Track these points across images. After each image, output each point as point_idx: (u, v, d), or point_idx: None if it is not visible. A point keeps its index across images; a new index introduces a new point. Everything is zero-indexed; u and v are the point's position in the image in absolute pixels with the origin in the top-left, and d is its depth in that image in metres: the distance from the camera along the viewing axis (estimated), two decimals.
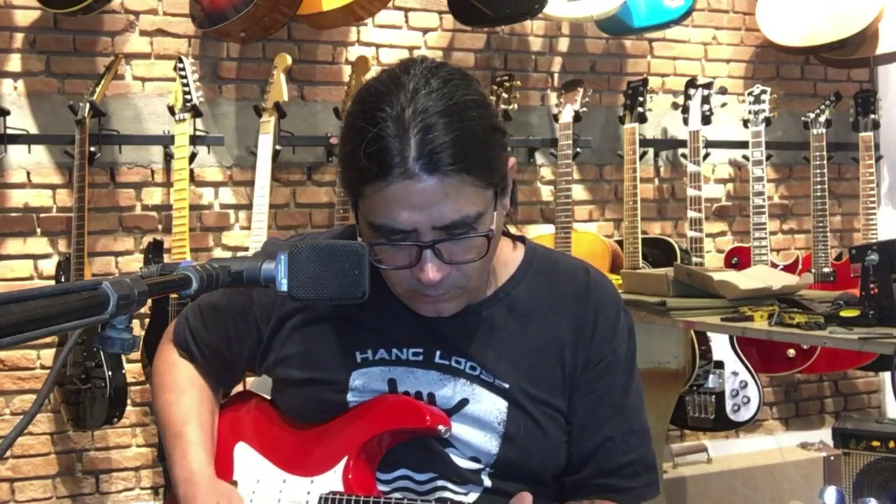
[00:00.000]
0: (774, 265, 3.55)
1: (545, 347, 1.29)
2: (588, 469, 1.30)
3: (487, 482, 1.27)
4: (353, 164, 1.13)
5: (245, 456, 1.38)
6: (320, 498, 1.27)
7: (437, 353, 1.28)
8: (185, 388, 1.43)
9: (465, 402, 1.27)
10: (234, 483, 1.36)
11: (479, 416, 1.26)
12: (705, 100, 3.47)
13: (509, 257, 1.34)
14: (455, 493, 1.27)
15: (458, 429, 1.26)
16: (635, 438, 1.32)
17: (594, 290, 1.33)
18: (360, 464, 1.28)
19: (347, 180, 1.17)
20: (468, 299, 1.25)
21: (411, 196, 1.09)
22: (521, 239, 1.38)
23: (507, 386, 1.27)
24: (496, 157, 1.16)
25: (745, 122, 3.61)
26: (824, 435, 3.85)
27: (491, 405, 1.27)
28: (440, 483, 1.27)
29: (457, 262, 1.15)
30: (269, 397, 1.44)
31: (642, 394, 1.35)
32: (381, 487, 1.28)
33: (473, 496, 1.27)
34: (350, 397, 1.29)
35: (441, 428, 1.24)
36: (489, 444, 1.26)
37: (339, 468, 1.28)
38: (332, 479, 1.28)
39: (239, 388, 1.59)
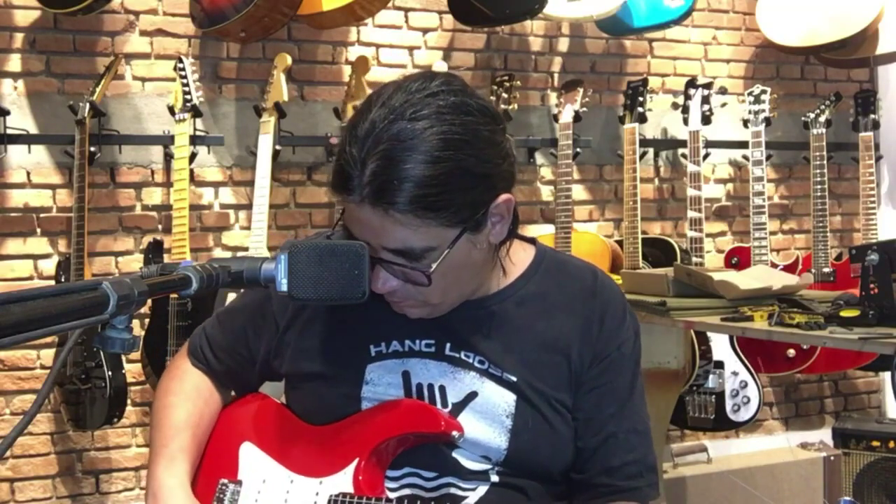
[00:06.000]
0: (774, 265, 3.55)
1: (553, 344, 1.31)
2: (593, 466, 1.31)
3: (495, 479, 1.28)
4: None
5: (251, 456, 1.38)
6: (330, 499, 1.26)
7: (448, 345, 1.30)
8: (189, 395, 1.43)
9: (473, 395, 1.28)
10: (239, 483, 1.36)
11: (487, 410, 1.27)
12: (705, 100, 3.47)
13: (520, 257, 1.36)
14: (463, 489, 1.27)
15: (467, 424, 1.27)
16: (637, 437, 1.33)
17: (601, 291, 1.35)
18: (371, 466, 1.28)
19: None
20: (439, 310, 1.26)
21: (360, 217, 1.13)
22: (532, 241, 1.41)
23: (514, 379, 1.28)
24: (468, 199, 1.13)
25: (745, 122, 3.61)
26: (824, 435, 3.84)
27: (499, 398, 1.28)
28: (447, 480, 1.28)
29: (411, 282, 1.18)
30: (275, 399, 1.44)
31: (645, 396, 1.37)
32: (389, 484, 1.28)
33: (482, 490, 1.28)
34: (365, 392, 1.30)
35: (455, 434, 1.25)
36: (498, 439, 1.27)
37: (350, 470, 1.28)
38: (343, 481, 1.28)
39: None
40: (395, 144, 1.08)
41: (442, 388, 1.29)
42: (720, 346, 3.39)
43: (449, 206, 1.11)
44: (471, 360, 1.29)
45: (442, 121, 1.10)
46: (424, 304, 1.23)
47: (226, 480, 1.37)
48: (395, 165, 1.08)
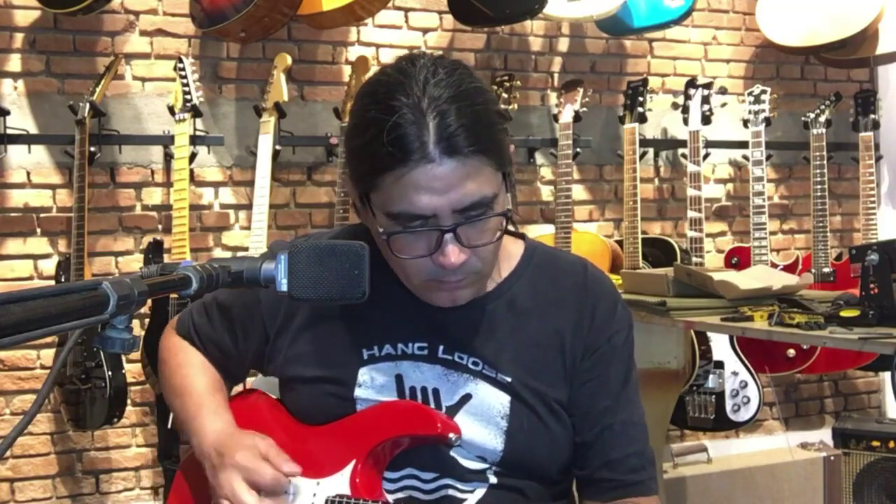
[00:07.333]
0: (774, 265, 3.55)
1: (546, 341, 1.31)
2: (592, 461, 1.31)
3: (493, 479, 1.28)
4: (371, 154, 1.15)
5: None
6: (327, 500, 1.26)
7: (441, 347, 1.29)
8: (200, 369, 1.44)
9: (468, 397, 1.28)
10: None
11: (482, 412, 1.27)
12: (705, 100, 3.47)
13: (510, 252, 1.36)
14: (461, 491, 1.27)
15: (463, 426, 1.26)
16: (634, 430, 1.33)
17: (592, 285, 1.35)
18: (368, 468, 1.27)
19: (362, 172, 1.18)
20: (480, 288, 1.28)
21: (432, 180, 1.12)
22: (521, 236, 1.41)
23: (509, 379, 1.28)
24: (503, 140, 1.21)
25: (745, 122, 3.61)
26: (824, 435, 3.84)
27: (494, 399, 1.27)
28: (445, 482, 1.28)
29: (475, 246, 1.18)
30: (273, 396, 1.44)
31: (639, 390, 1.37)
32: (388, 486, 1.28)
33: (480, 492, 1.28)
34: (357, 393, 1.30)
35: (452, 436, 1.24)
36: (494, 441, 1.27)
37: (347, 471, 1.28)
38: (340, 482, 1.28)
39: (238, 387, 1.59)
40: (442, 100, 1.13)
41: (436, 391, 1.28)
42: (720, 346, 3.39)
43: (497, 146, 1.18)
44: (464, 362, 1.29)
45: (461, 75, 1.17)
46: (477, 278, 1.24)
47: None
48: (450, 116, 1.13)
